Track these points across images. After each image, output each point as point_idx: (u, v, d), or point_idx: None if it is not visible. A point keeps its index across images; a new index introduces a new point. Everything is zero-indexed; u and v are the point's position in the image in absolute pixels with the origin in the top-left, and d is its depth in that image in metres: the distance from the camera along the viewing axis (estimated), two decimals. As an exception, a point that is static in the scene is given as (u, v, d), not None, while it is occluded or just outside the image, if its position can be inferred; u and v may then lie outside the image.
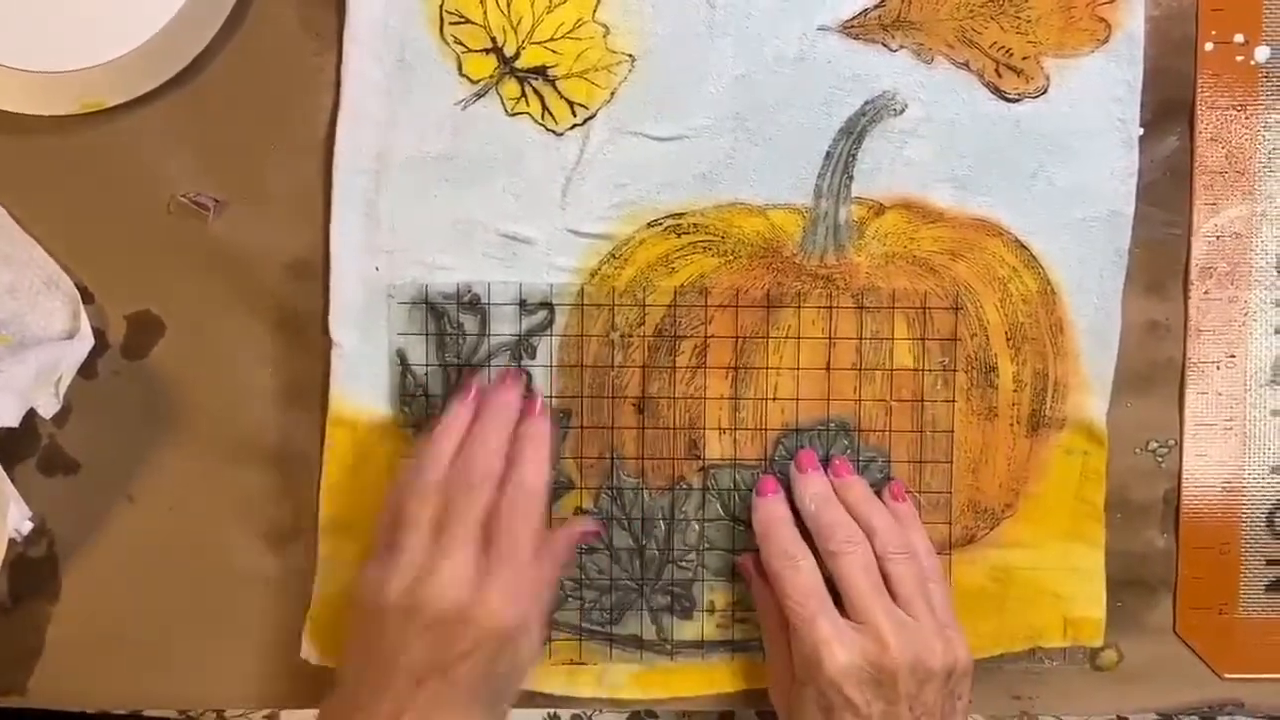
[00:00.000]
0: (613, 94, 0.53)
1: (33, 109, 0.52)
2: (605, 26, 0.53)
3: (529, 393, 0.53)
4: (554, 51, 0.53)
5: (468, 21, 0.53)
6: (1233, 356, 0.55)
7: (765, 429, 0.55)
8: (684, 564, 0.55)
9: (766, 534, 0.53)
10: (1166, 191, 0.54)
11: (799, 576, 0.51)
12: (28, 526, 0.50)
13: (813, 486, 0.53)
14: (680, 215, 0.54)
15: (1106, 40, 0.53)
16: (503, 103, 0.53)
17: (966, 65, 0.53)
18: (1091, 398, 0.54)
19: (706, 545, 0.55)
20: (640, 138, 0.53)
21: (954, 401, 0.55)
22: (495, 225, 0.53)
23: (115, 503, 0.55)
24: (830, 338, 0.54)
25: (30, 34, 0.50)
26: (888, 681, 0.49)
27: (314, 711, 0.54)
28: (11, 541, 0.49)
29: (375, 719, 0.47)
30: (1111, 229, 0.54)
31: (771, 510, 0.53)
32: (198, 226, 0.53)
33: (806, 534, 0.53)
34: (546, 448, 0.51)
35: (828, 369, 0.54)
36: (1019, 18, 0.53)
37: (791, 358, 0.54)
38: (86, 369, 0.53)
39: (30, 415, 0.49)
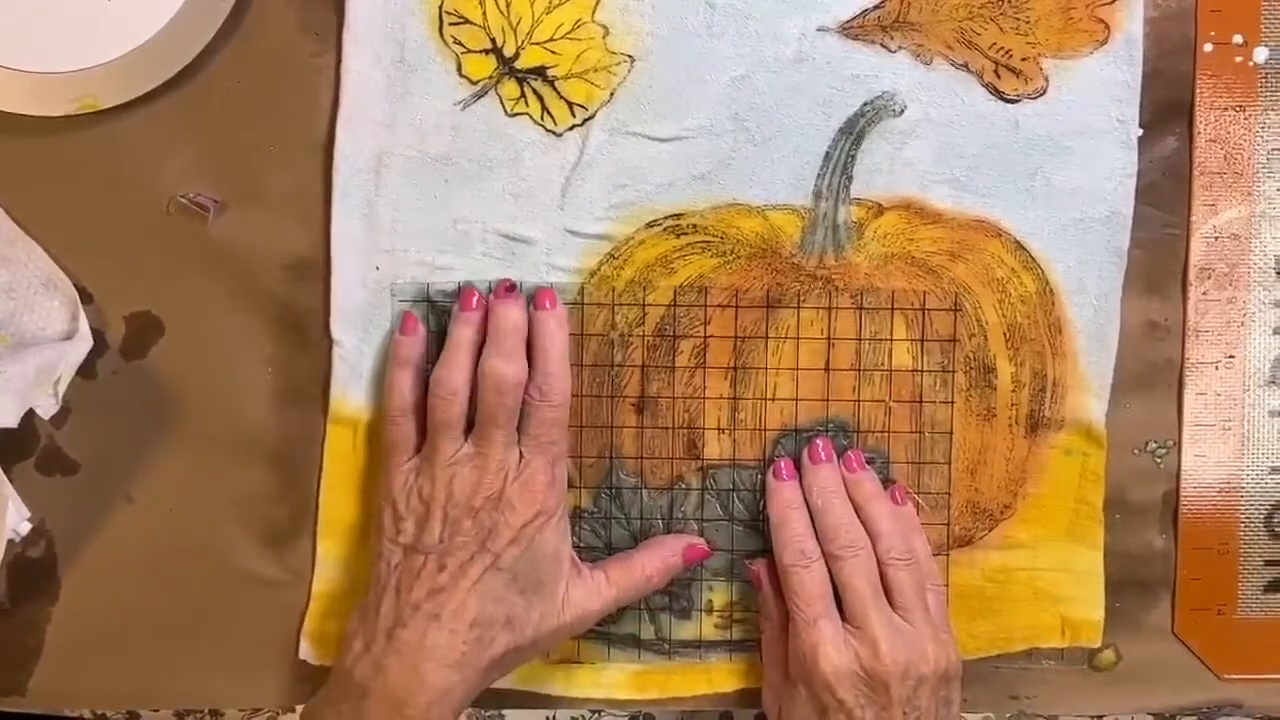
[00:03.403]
0: (612, 94, 0.53)
1: (31, 109, 0.52)
2: (604, 27, 0.53)
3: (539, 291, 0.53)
4: (553, 52, 0.53)
5: (467, 22, 0.53)
6: (1231, 357, 0.55)
7: (764, 429, 0.55)
8: (683, 564, 0.55)
9: (782, 524, 0.53)
10: (1165, 192, 0.54)
11: (809, 577, 0.51)
12: (26, 527, 0.50)
13: (821, 480, 0.53)
14: (679, 216, 0.54)
15: (1105, 41, 0.53)
16: (502, 103, 0.53)
17: (966, 66, 0.53)
18: (1090, 398, 0.54)
19: (705, 545, 0.55)
20: (639, 138, 0.53)
21: (953, 402, 0.55)
22: (495, 225, 0.53)
23: (114, 503, 0.55)
24: (829, 338, 0.54)
25: (28, 34, 0.50)
26: (880, 687, 0.49)
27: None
28: (10, 542, 0.49)
29: (415, 599, 0.49)
30: (1110, 230, 0.54)
31: (789, 497, 0.53)
32: (197, 227, 0.53)
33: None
34: (564, 341, 0.52)
35: (827, 369, 0.54)
36: (1018, 19, 0.53)
37: (790, 358, 0.54)
38: (85, 369, 0.53)
39: (29, 416, 0.49)
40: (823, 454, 0.53)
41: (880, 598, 0.51)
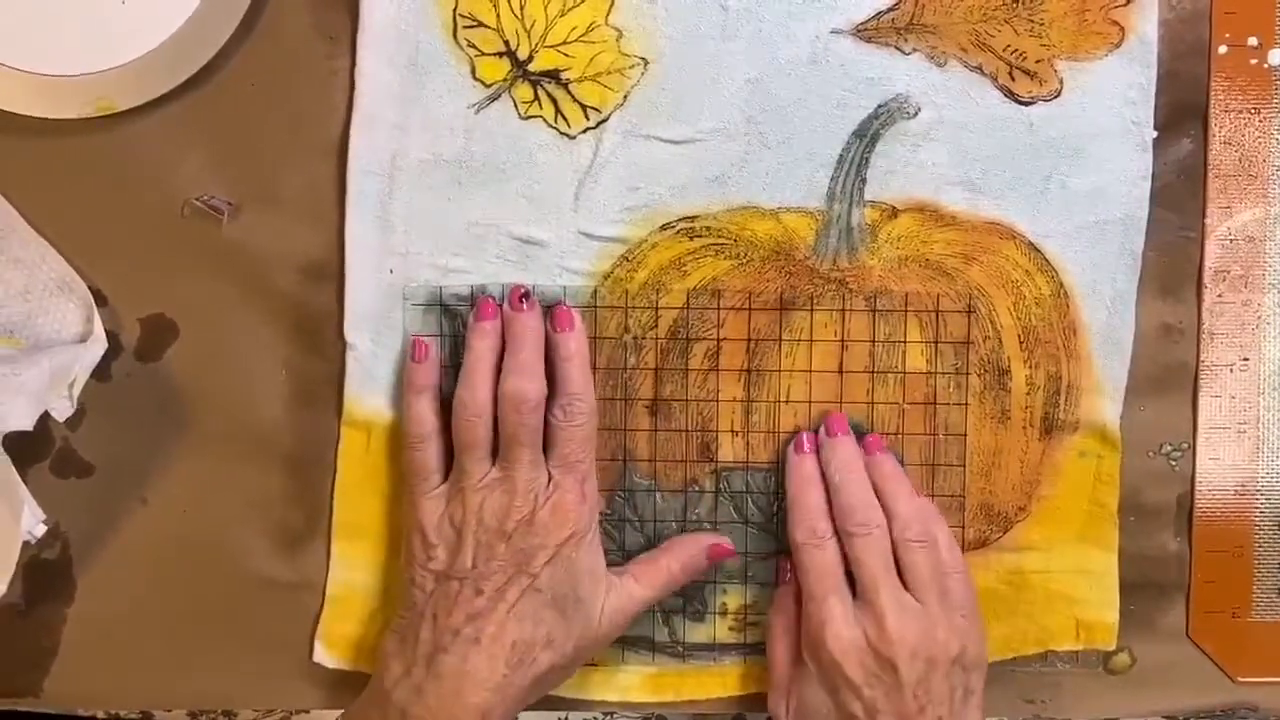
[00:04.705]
0: (625, 97, 0.53)
1: (47, 112, 0.52)
2: (618, 30, 0.53)
3: (553, 307, 0.53)
4: (567, 55, 0.53)
5: (481, 25, 0.53)
6: (1246, 360, 0.55)
7: (778, 432, 0.55)
8: (696, 567, 0.55)
9: (798, 499, 0.52)
10: (1180, 195, 0.54)
11: (820, 555, 0.51)
12: (41, 529, 0.50)
13: (840, 455, 0.53)
14: (693, 218, 0.54)
15: (1120, 43, 0.53)
16: (516, 106, 0.53)
17: (980, 68, 0.53)
18: (1105, 401, 0.54)
19: (719, 548, 0.55)
20: (653, 141, 0.53)
21: (967, 405, 0.54)
22: (508, 228, 0.53)
23: (129, 505, 0.55)
24: (843, 341, 0.54)
25: (44, 37, 0.50)
26: (887, 665, 0.49)
27: (331, 712, 0.54)
28: (25, 544, 0.49)
29: (454, 623, 0.49)
30: (1125, 232, 0.54)
31: (808, 472, 0.53)
32: (212, 229, 0.54)
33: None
34: (585, 359, 0.52)
35: (840, 372, 0.54)
36: (1032, 21, 0.53)
37: (804, 360, 0.54)
38: (100, 372, 0.53)
39: (44, 418, 0.49)
40: (838, 428, 0.53)
41: (892, 576, 0.51)
